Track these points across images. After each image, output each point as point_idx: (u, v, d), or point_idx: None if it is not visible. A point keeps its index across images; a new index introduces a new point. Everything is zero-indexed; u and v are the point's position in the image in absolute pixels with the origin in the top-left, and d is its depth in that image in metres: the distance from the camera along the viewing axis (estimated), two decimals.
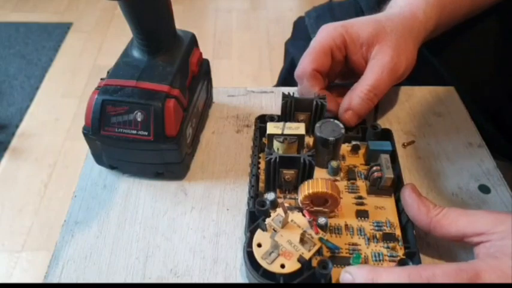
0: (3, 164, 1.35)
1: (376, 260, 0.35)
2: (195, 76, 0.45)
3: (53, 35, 1.85)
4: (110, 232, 0.40)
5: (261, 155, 0.43)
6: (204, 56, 0.48)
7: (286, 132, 0.40)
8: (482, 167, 0.44)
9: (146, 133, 0.39)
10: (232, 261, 0.37)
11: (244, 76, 1.64)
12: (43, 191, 1.27)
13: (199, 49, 0.47)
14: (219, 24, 1.92)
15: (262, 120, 0.46)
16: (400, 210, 0.38)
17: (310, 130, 0.45)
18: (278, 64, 1.70)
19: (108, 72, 0.42)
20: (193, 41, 0.46)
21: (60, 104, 1.54)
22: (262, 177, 0.41)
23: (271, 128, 0.40)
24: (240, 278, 0.36)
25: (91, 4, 2.03)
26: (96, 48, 1.78)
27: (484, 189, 0.43)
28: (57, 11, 1.99)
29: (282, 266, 0.33)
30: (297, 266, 0.33)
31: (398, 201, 0.39)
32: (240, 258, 0.37)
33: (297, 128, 0.40)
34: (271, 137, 0.40)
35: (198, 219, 0.41)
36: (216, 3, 2.05)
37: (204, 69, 0.47)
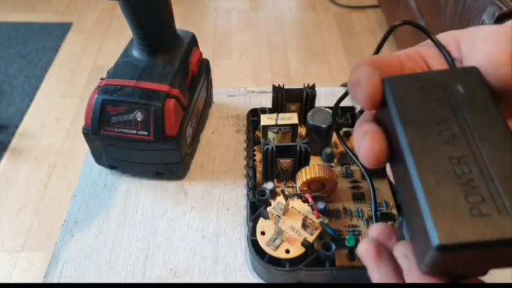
0: (3, 164, 1.34)
1: None
2: (195, 76, 0.45)
3: (53, 35, 1.85)
4: (109, 232, 0.40)
5: (255, 147, 0.44)
6: (204, 56, 0.48)
7: (280, 122, 0.41)
8: None
9: (146, 133, 0.39)
10: (232, 261, 0.37)
11: (244, 76, 1.64)
12: (43, 191, 1.27)
13: (199, 49, 0.47)
14: (219, 24, 1.91)
15: (254, 114, 0.47)
16: (395, 191, 0.40)
17: (301, 120, 0.46)
18: (278, 64, 1.71)
19: (108, 72, 0.42)
20: (193, 41, 0.46)
21: (60, 104, 1.54)
22: (258, 168, 0.42)
23: (265, 119, 0.41)
24: (240, 278, 0.36)
25: (91, 4, 2.02)
26: (96, 48, 1.78)
27: None
28: (57, 11, 1.99)
29: (287, 252, 0.34)
30: (301, 250, 0.34)
31: (392, 183, 0.40)
32: (240, 258, 0.37)
33: (290, 118, 0.41)
34: (266, 128, 0.41)
35: (198, 219, 0.41)
36: (216, 3, 2.05)
37: (204, 69, 0.47)
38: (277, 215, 0.36)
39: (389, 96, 0.23)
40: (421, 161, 0.21)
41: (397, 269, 0.24)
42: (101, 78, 0.42)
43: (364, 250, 0.25)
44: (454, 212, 0.19)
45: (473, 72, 0.23)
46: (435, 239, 0.19)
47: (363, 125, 0.25)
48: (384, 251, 0.25)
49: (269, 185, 0.38)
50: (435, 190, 0.20)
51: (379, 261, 0.25)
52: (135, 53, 0.42)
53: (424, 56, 0.26)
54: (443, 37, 0.27)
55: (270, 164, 0.40)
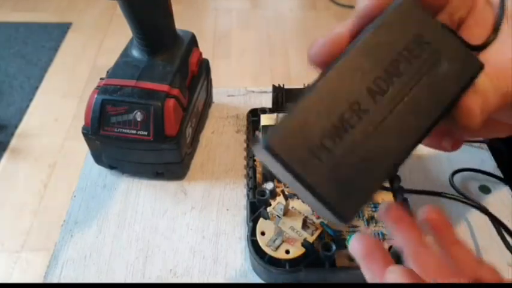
0: (2, 164, 1.34)
1: None
2: (195, 76, 0.45)
3: (53, 35, 1.85)
4: (109, 232, 0.40)
5: None
6: (204, 56, 0.48)
7: None
8: (482, 167, 0.44)
9: (146, 133, 0.39)
10: (232, 261, 0.37)
11: (244, 76, 1.64)
12: (43, 191, 1.27)
13: (199, 49, 0.47)
14: (219, 24, 1.91)
15: (254, 114, 0.47)
16: (395, 190, 0.39)
17: None
18: (278, 64, 1.71)
19: (107, 72, 0.42)
20: (193, 41, 0.46)
21: (60, 104, 1.54)
22: (258, 168, 0.42)
23: (265, 119, 0.42)
24: (240, 278, 0.36)
25: (91, 4, 2.02)
26: (96, 48, 1.78)
27: (484, 189, 0.42)
28: (57, 11, 1.99)
29: (287, 252, 0.34)
30: (302, 250, 0.34)
31: (391, 183, 0.40)
32: (240, 258, 0.37)
33: None
34: (266, 128, 0.41)
35: (198, 219, 0.41)
36: (216, 3, 2.05)
37: (204, 69, 0.47)
38: (277, 215, 0.36)
39: (388, 11, 0.21)
40: (335, 81, 0.20)
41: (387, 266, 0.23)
42: (101, 78, 0.42)
43: (354, 248, 0.25)
44: (304, 137, 0.20)
45: (474, 66, 0.21)
46: (268, 140, 0.20)
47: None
48: (375, 248, 0.24)
49: (269, 185, 0.38)
50: (314, 106, 0.20)
51: (368, 260, 0.24)
52: (135, 53, 0.42)
53: None
54: None
55: None
